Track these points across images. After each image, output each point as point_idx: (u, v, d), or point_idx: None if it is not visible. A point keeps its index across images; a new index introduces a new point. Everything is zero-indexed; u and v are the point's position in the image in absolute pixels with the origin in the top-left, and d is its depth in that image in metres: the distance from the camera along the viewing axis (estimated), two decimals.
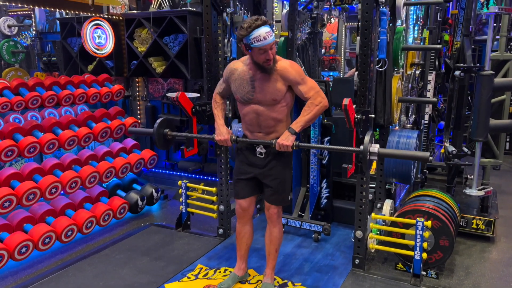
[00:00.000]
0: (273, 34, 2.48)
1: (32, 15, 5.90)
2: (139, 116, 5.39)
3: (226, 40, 3.44)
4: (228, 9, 3.36)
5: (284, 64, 2.56)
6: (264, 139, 2.66)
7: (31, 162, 3.83)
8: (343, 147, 2.74)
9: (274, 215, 2.80)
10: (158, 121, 3.10)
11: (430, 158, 2.50)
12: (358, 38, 2.83)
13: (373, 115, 2.84)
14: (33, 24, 5.90)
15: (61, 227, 3.55)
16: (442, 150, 6.05)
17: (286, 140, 2.55)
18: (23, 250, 3.29)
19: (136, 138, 4.97)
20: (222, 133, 2.76)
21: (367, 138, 2.59)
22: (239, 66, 2.66)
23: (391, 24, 3.38)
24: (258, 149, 2.70)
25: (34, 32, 5.88)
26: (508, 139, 6.85)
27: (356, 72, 2.91)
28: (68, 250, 3.64)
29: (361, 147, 2.60)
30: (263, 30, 2.40)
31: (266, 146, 2.67)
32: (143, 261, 3.36)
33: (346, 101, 2.51)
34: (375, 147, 2.60)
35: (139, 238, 3.77)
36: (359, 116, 2.66)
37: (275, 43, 2.58)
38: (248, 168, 2.76)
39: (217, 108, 2.85)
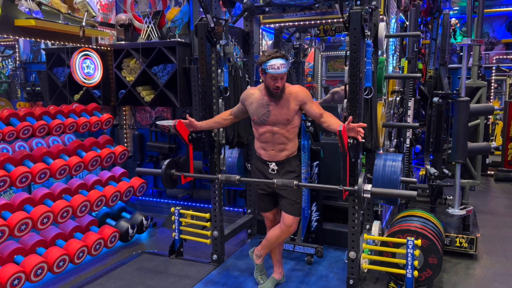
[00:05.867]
0: (287, 67, 2.88)
1: (16, 46, 5.90)
2: (126, 144, 5.42)
3: (219, 70, 3.57)
4: (221, 41, 3.50)
5: (295, 88, 3.03)
6: (276, 156, 3.06)
7: (21, 192, 3.79)
8: (337, 187, 2.86)
9: (290, 228, 3.12)
10: (165, 162, 3.34)
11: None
12: (347, 68, 3.01)
13: (363, 140, 2.99)
14: (17, 54, 5.90)
15: (53, 257, 3.50)
16: (421, 173, 6.31)
17: None
18: (15, 282, 3.22)
19: (124, 166, 4.98)
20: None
21: (360, 180, 2.79)
22: (256, 92, 3.06)
23: (373, 55, 3.61)
24: (271, 166, 3.09)
25: (18, 62, 5.87)
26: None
27: (345, 100, 3.08)
28: (60, 281, 3.58)
29: (356, 187, 2.79)
30: (279, 61, 2.84)
31: (278, 163, 3.07)
32: None
33: (340, 127, 2.66)
34: (368, 187, 2.79)
35: (133, 267, 3.75)
36: (351, 141, 2.81)
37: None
38: (266, 184, 3.13)
39: (214, 117, 3.38)
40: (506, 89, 8.99)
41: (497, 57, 9.40)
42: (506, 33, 10.15)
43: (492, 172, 7.19)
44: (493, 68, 7.98)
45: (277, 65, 2.81)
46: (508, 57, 9.36)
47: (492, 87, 7.92)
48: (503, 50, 9.92)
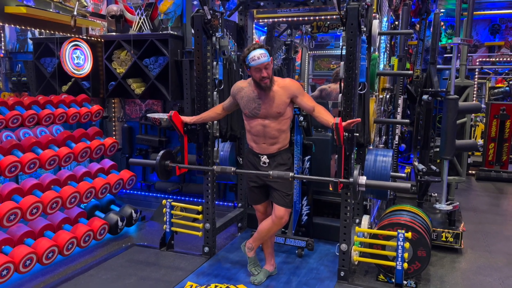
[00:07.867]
0: (268, 56, 2.83)
1: (2, 34, 5.77)
2: (115, 137, 5.36)
3: (214, 63, 3.57)
4: (217, 34, 3.50)
5: (285, 81, 3.04)
6: (268, 149, 3.06)
7: (9, 182, 3.72)
8: (334, 179, 2.94)
9: (282, 220, 3.11)
10: (160, 153, 3.34)
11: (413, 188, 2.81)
12: (342, 63, 3.05)
13: (357, 134, 3.04)
14: (3, 43, 5.77)
15: (42, 248, 3.45)
16: (406, 170, 6.43)
17: None
18: (4, 272, 3.17)
19: (112, 159, 4.93)
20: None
21: (356, 172, 2.84)
22: (245, 85, 3.03)
23: (367, 51, 3.66)
24: (262, 159, 3.09)
25: (4, 52, 5.74)
26: None
27: (341, 95, 3.13)
28: (49, 273, 3.53)
29: (351, 179, 2.85)
30: (258, 52, 2.81)
31: (269, 156, 3.08)
32: (131, 280, 3.33)
33: (337, 120, 2.71)
34: (363, 179, 2.85)
35: (123, 259, 3.73)
36: (347, 134, 2.85)
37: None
38: (257, 177, 3.15)
39: (207, 110, 3.36)
40: (486, 92, 9.25)
41: (480, 59, 9.66)
42: (489, 36, 10.44)
43: (474, 172, 7.38)
44: (476, 70, 8.19)
45: (257, 55, 2.80)
46: (491, 59, 9.63)
47: (475, 89, 8.13)
48: (485, 53, 10.20)
